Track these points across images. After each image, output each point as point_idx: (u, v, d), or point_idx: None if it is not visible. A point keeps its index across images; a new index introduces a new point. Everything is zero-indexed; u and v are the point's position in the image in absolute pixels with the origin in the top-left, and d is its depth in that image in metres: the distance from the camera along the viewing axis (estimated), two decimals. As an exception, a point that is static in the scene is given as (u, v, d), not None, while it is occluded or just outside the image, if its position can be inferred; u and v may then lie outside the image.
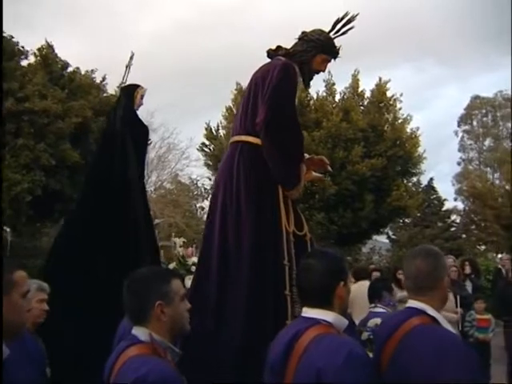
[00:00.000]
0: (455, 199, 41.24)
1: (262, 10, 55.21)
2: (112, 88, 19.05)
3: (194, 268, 7.19)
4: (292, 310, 3.47)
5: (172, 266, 7.38)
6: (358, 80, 21.85)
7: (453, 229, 35.59)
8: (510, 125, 47.87)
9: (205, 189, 28.79)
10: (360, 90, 21.66)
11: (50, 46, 17.45)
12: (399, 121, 20.81)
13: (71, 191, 16.04)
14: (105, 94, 18.61)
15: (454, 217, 37.21)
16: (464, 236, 35.08)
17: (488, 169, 47.11)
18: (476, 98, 48.39)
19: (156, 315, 2.25)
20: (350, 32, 4.11)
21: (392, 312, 3.10)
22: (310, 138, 19.71)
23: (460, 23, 51.56)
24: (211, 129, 21.24)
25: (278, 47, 4.09)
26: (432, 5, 56.10)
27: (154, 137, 36.18)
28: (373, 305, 4.98)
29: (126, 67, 5.87)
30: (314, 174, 4.26)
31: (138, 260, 4.66)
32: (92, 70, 18.49)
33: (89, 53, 40.51)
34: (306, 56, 4.00)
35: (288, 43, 4.14)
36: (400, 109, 21.02)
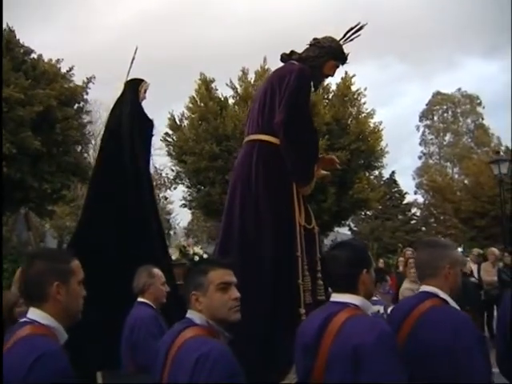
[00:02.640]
0: (415, 193, 42.15)
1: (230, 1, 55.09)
2: (79, 78, 18.79)
3: (196, 258, 7.27)
4: (304, 298, 3.76)
5: (175, 256, 7.48)
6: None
7: (413, 222, 36.31)
8: (469, 121, 49.01)
9: (168, 178, 28.56)
10: (326, 83, 21.81)
11: (11, 31, 17.04)
12: (363, 115, 21.05)
13: (32, 180, 15.77)
14: (71, 84, 18.30)
15: (414, 210, 37.98)
16: (424, 229, 35.81)
17: (448, 163, 48.14)
18: (437, 93, 49.32)
19: (193, 303, 2.42)
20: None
21: (407, 297, 3.60)
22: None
23: (422, 23, 52.33)
24: (174, 119, 21.08)
25: (292, 52, 4.35)
26: (397, 5, 56.86)
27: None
28: None
29: (132, 60, 5.80)
30: (322, 171, 4.50)
31: (151, 252, 4.83)
32: (58, 60, 18.14)
33: (55, 42, 39.76)
34: (317, 61, 4.28)
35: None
36: (364, 103, 21.26)
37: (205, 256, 7.57)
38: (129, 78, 5.65)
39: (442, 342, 2.48)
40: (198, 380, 2.14)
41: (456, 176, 42.53)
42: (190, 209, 22.89)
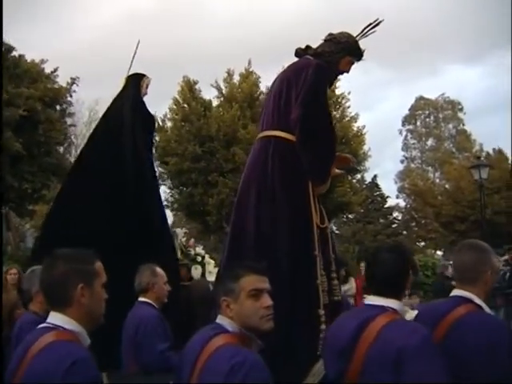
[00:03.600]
0: (397, 196, 42.37)
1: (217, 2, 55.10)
2: (63, 79, 18.62)
3: (199, 258, 7.18)
4: (323, 299, 3.68)
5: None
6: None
7: (394, 225, 36.51)
8: (450, 126, 49.49)
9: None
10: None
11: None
12: (346, 119, 21.16)
13: (12, 180, 15.60)
14: (55, 85, 18.14)
15: (395, 214, 38.19)
16: (405, 232, 36.02)
17: (429, 168, 48.53)
18: (420, 98, 49.72)
19: (223, 309, 2.36)
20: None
21: (437, 301, 3.50)
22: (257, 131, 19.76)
23: (404, 29, 52.76)
24: (157, 120, 21.01)
25: (308, 47, 4.27)
26: (379, 11, 57.20)
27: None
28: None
29: (134, 54, 5.81)
30: (336, 170, 4.37)
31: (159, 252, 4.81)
32: (42, 60, 17.97)
33: (39, 42, 39.39)
34: (333, 57, 4.17)
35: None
36: (349, 107, 21.39)
37: (207, 256, 7.47)
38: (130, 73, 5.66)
39: (479, 349, 2.45)
40: None
41: (437, 180, 42.88)
42: (172, 210, 22.81)
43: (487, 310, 2.66)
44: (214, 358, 2.23)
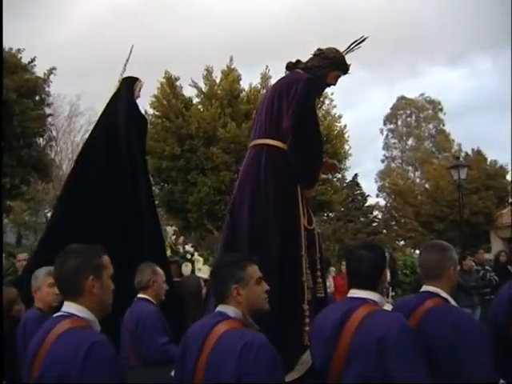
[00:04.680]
0: (377, 195, 42.68)
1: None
2: (41, 70, 18.39)
3: (188, 255, 7.25)
4: (307, 295, 3.97)
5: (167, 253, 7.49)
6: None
7: (374, 224, 36.77)
8: (431, 126, 49.95)
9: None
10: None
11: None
12: (329, 118, 21.22)
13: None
14: (33, 76, 17.90)
15: (375, 212, 38.46)
16: (385, 231, 36.32)
17: (409, 167, 48.96)
18: (402, 98, 50.10)
19: (233, 297, 2.60)
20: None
21: (408, 296, 3.76)
22: (239, 129, 19.76)
23: (387, 30, 53.16)
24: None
25: (298, 61, 4.57)
26: (359, 12, 57.51)
27: (81, 120, 35.33)
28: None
29: (127, 60, 5.89)
30: (322, 175, 4.68)
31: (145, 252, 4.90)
32: (19, 50, 17.72)
33: (16, 32, 38.75)
34: (322, 71, 4.49)
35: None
36: (335, 106, 21.48)
37: (196, 254, 7.56)
38: (121, 77, 5.72)
39: (445, 338, 2.66)
40: (245, 365, 2.34)
41: (417, 180, 43.31)
42: (153, 207, 22.67)
43: (453, 302, 2.90)
44: (222, 342, 2.46)
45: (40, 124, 17.99)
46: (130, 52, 5.91)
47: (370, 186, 52.93)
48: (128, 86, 5.65)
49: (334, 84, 4.65)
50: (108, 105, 5.64)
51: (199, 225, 20.69)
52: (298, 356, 3.74)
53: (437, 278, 2.91)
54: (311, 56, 4.59)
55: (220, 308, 2.65)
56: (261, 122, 4.45)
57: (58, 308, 3.76)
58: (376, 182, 45.88)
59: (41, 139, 19.00)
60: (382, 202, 40.57)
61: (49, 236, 5.26)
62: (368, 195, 37.69)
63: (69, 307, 2.39)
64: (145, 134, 5.92)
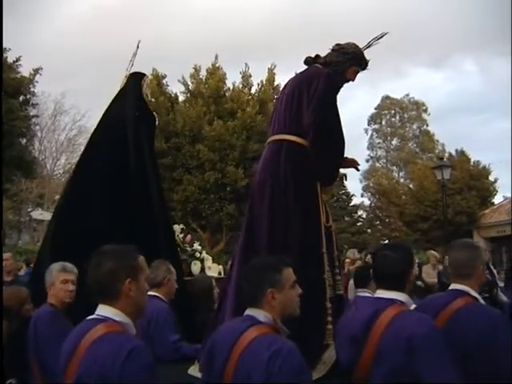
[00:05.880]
0: (362, 195, 42.84)
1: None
2: (26, 70, 18.23)
3: (197, 254, 7.20)
4: (329, 293, 3.94)
5: None
6: (274, 74, 22.24)
7: (359, 223, 36.94)
8: (415, 127, 50.26)
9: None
10: (276, 83, 21.99)
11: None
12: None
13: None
14: (18, 75, 17.74)
15: (360, 212, 38.63)
16: (369, 231, 36.49)
17: (394, 167, 49.20)
18: (387, 98, 50.30)
19: (267, 300, 2.52)
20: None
21: (434, 295, 3.75)
22: (224, 127, 19.74)
23: (371, 33, 53.38)
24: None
25: (317, 56, 4.50)
26: (343, 11, 57.76)
27: (65, 118, 35.07)
28: (361, 289, 5.12)
29: (134, 54, 5.79)
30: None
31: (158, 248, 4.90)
32: (4, 49, 17.53)
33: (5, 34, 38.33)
34: (340, 67, 4.43)
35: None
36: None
37: (204, 252, 7.51)
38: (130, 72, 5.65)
39: (479, 339, 2.67)
40: (273, 373, 2.29)
41: (401, 180, 43.52)
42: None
43: (481, 301, 2.93)
44: (251, 348, 2.40)
45: (26, 124, 17.87)
46: (137, 47, 5.82)
47: (354, 186, 52.99)
48: (136, 82, 5.54)
49: (353, 80, 4.57)
50: (114, 100, 5.51)
51: (183, 223, 20.63)
52: (320, 355, 3.69)
53: (467, 277, 2.92)
54: (329, 51, 4.52)
55: (250, 311, 2.57)
56: (280, 117, 4.38)
57: (71, 304, 3.77)
58: (361, 181, 46.06)
59: (24, 140, 18.85)
60: (367, 202, 40.76)
61: (58, 236, 5.08)
62: (353, 195, 37.89)
63: (104, 310, 2.31)
64: (154, 133, 5.81)
